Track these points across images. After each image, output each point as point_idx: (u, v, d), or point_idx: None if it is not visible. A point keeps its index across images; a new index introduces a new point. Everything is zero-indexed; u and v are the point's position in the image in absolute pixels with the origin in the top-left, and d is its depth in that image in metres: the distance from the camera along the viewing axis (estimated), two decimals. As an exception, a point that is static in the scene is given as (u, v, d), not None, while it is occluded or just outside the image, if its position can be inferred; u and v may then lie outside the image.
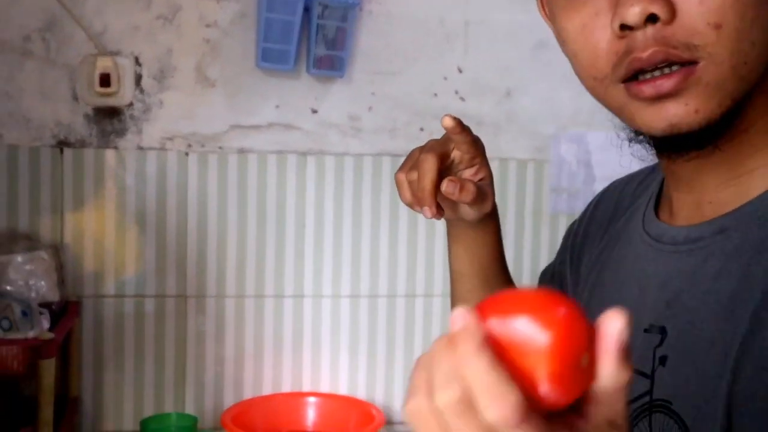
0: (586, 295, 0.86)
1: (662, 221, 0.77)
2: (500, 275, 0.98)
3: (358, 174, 1.68)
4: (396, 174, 0.88)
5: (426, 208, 0.83)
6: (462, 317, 0.45)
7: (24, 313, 1.37)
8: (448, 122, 0.85)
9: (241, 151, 1.64)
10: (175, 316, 1.62)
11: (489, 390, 0.43)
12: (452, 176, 0.84)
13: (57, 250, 1.55)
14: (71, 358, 1.55)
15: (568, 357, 0.44)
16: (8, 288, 1.44)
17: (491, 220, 0.93)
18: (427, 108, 1.70)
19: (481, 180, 0.89)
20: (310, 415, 1.60)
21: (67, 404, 1.52)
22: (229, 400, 1.63)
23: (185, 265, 1.62)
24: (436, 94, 1.70)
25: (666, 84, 0.64)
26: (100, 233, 1.59)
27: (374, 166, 1.68)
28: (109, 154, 1.59)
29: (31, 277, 1.47)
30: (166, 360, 1.62)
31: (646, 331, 0.73)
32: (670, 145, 0.69)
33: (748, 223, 0.68)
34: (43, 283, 1.48)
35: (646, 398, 0.71)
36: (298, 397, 1.63)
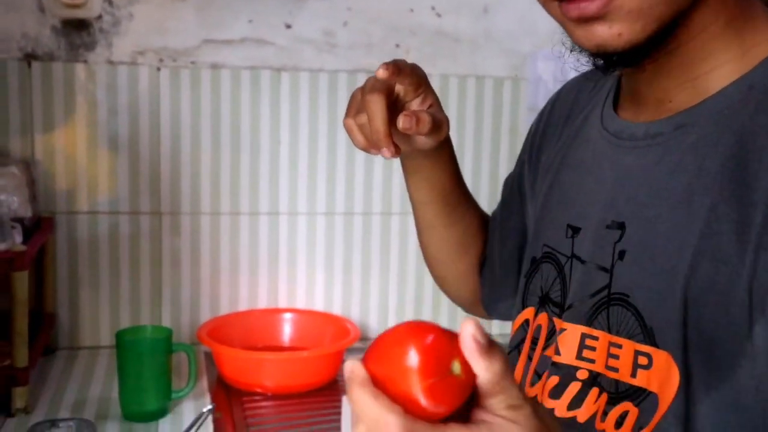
0: (544, 193, 0.86)
1: (622, 118, 0.77)
2: (461, 197, 0.98)
3: (333, 91, 1.66)
4: (344, 121, 0.84)
5: (384, 150, 0.79)
6: (349, 368, 0.53)
7: (-5, 227, 1.36)
8: (382, 73, 0.81)
9: (214, 67, 1.61)
10: (150, 233, 1.62)
11: (377, 420, 0.50)
12: (405, 111, 0.81)
13: (28, 165, 1.53)
14: (46, 275, 1.55)
15: (434, 370, 0.51)
16: (-21, 203, 1.42)
17: (446, 144, 0.91)
18: (403, 24, 1.67)
19: (430, 107, 0.86)
20: (286, 330, 1.62)
21: (43, 320, 1.52)
22: (205, 317, 1.64)
23: (159, 182, 1.61)
24: (412, 10, 1.67)
25: (590, 7, 0.66)
26: (71, 149, 1.57)
27: (349, 82, 1.66)
28: (79, 68, 1.56)
29: (1, 193, 1.46)
30: (141, 277, 1.62)
31: (607, 227, 0.74)
32: (606, 62, 0.70)
33: (706, 118, 0.69)
34: (14, 198, 1.47)
35: (605, 292, 0.73)
36: (274, 313, 1.64)
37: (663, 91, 0.72)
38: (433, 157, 0.91)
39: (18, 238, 1.38)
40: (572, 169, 0.83)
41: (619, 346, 0.71)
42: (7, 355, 1.32)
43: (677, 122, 0.71)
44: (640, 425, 0.68)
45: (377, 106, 0.79)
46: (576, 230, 0.79)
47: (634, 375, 0.69)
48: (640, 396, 0.68)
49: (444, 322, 1.74)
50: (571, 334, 0.75)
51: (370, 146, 0.83)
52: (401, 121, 0.79)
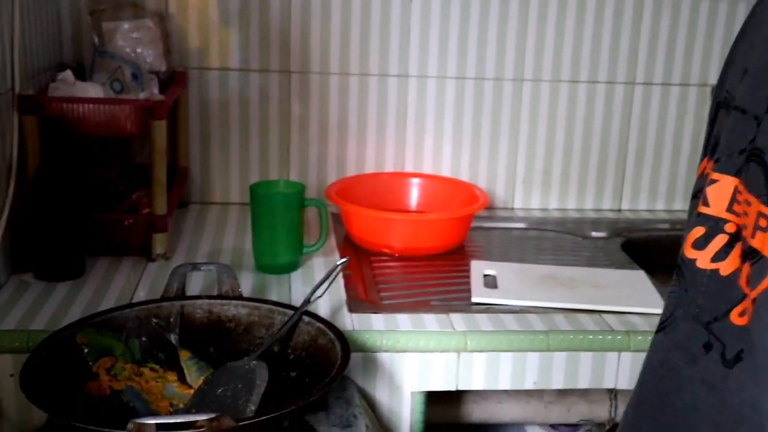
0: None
1: None
2: None
3: (470, -52, 1.59)
4: None
5: None
6: None
7: (134, 76, 1.38)
8: None
9: None
10: (279, 91, 1.61)
11: None
12: None
13: (162, 19, 1.53)
14: (179, 130, 1.57)
15: None
16: (117, 54, 1.44)
17: None
18: None
19: None
20: (413, 194, 1.60)
21: (177, 173, 1.55)
22: (331, 178, 1.64)
23: (289, 40, 1.59)
24: None
25: None
26: (203, 3, 1.56)
27: (487, -61, 1.58)
28: None
29: (138, 45, 1.47)
30: (270, 136, 1.63)
31: None
32: None
33: None
34: (150, 51, 1.48)
35: (750, 145, 0.68)
36: (401, 176, 1.63)
37: None
38: None
39: (155, 88, 1.40)
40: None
41: (749, 204, 0.67)
42: (147, 205, 1.36)
43: None
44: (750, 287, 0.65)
45: None
46: (744, 72, 0.73)
47: (753, 235, 0.66)
48: (754, 257, 0.65)
49: (574, 193, 1.71)
50: (723, 185, 0.72)
51: None
52: None
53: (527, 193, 1.72)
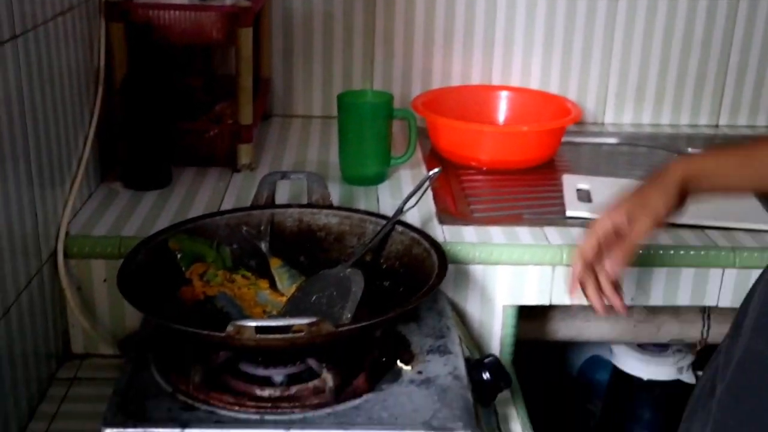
0: None
1: None
2: None
3: None
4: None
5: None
6: None
7: (219, -18, 1.34)
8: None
9: None
10: (364, 3, 1.56)
11: None
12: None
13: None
14: (262, 41, 1.53)
15: None
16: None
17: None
18: None
19: None
20: (501, 107, 1.55)
21: (260, 85, 1.52)
22: (416, 91, 1.59)
23: (374, -53, 1.54)
24: None
25: None
26: None
27: None
28: None
29: (221, -48, 1.43)
30: (354, 49, 1.58)
31: None
32: None
33: None
34: (233, -42, 1.44)
35: None
36: (489, 89, 1.57)
37: None
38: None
39: (240, -4, 1.36)
40: None
41: None
42: (231, 116, 1.34)
43: None
44: None
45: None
46: None
47: None
48: None
49: (668, 108, 1.63)
50: None
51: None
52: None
53: (619, 108, 1.64)
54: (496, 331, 1.14)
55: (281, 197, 1.19)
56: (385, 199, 1.25)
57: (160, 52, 1.25)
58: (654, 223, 0.91)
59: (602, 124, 1.65)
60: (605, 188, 1.30)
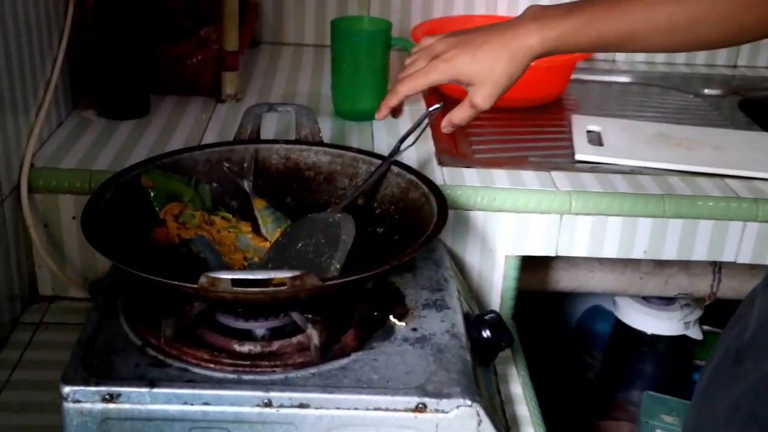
0: None
1: None
2: None
3: None
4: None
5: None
6: None
7: None
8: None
9: None
10: None
11: None
12: None
13: None
14: (250, -39, 1.42)
15: None
16: None
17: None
18: None
19: None
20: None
21: (248, 9, 1.41)
22: (416, 20, 1.49)
23: None
24: None
25: None
26: None
27: None
28: None
29: None
30: (350, -29, 1.47)
31: None
32: None
33: None
34: None
35: None
36: (496, 20, 1.46)
37: None
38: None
39: None
40: None
41: None
42: (216, 42, 1.23)
43: None
44: None
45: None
46: None
47: None
48: None
49: (682, 53, 1.52)
50: None
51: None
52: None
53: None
54: (497, 283, 1.06)
55: (267, 132, 1.10)
56: (381, 136, 1.15)
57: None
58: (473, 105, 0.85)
59: (613, 61, 1.55)
60: (619, 131, 1.21)
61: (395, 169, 0.94)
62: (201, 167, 0.95)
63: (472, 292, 1.05)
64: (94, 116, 1.15)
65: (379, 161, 0.95)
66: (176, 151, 0.96)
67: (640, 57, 1.55)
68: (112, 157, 1.03)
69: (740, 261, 1.06)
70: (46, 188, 0.99)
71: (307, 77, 1.36)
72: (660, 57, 1.55)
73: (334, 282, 0.74)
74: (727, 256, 1.06)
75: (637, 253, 1.05)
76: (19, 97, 0.97)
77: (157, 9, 1.26)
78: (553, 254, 1.05)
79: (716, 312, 1.26)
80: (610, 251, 1.05)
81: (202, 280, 0.69)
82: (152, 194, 0.89)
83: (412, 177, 0.92)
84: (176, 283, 0.71)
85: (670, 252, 1.05)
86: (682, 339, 1.30)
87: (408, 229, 0.87)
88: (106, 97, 1.15)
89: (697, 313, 1.30)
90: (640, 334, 1.30)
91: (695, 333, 1.30)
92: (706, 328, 1.31)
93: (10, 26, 0.94)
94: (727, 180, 1.08)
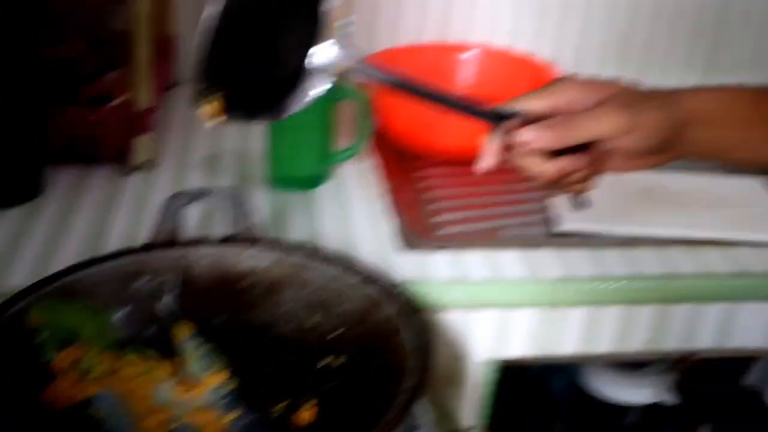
0: None
1: None
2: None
3: None
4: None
5: None
6: None
7: None
8: None
9: None
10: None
11: None
12: None
13: None
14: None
15: None
16: None
17: None
18: None
19: None
20: (464, 72, 1.26)
21: (164, 46, 1.20)
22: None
23: None
24: None
25: None
26: None
27: None
28: None
29: None
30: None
31: None
32: None
33: None
34: None
35: None
36: (449, 50, 1.28)
37: None
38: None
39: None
40: None
41: None
42: (124, 92, 1.02)
43: None
44: None
45: None
46: None
47: None
48: None
49: (656, 64, 1.37)
50: None
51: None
52: None
53: (601, 64, 1.37)
54: (471, 393, 0.89)
55: (191, 215, 0.90)
56: (330, 209, 0.97)
57: (20, 7, 0.93)
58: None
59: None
60: (606, 185, 1.04)
61: (350, 279, 0.75)
62: (106, 287, 0.75)
63: (441, 403, 0.88)
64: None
65: (334, 262, 0.76)
66: (71, 267, 0.75)
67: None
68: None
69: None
70: None
71: (235, 126, 1.16)
72: (631, 75, 1.39)
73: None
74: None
75: (640, 346, 0.90)
76: None
77: (48, 57, 1.04)
78: (539, 354, 0.88)
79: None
80: (605, 346, 0.89)
81: None
82: (43, 337, 0.69)
83: (372, 292, 0.73)
84: None
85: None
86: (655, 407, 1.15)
87: (367, 361, 0.70)
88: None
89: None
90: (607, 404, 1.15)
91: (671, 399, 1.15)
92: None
93: None
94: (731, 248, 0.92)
